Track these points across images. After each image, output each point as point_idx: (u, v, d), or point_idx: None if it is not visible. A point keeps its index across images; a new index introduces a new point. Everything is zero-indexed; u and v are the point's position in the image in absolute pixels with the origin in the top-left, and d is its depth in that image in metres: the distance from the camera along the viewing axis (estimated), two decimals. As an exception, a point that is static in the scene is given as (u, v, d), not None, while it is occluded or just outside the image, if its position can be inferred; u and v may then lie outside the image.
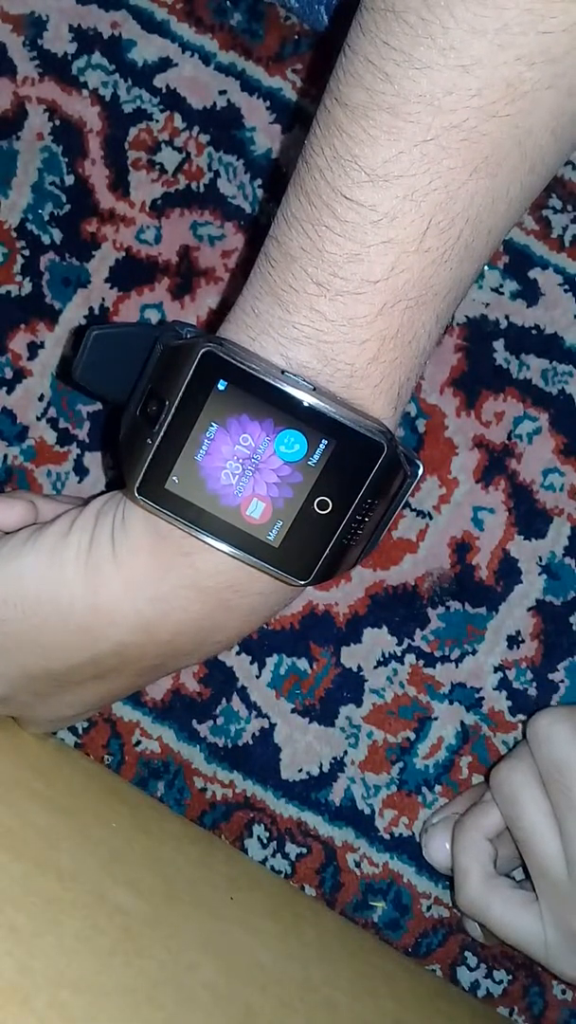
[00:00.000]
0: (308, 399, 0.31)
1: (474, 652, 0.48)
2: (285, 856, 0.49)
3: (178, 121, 0.47)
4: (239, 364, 0.31)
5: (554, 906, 0.42)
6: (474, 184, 0.29)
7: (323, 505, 0.33)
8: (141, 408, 0.34)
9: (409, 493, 0.36)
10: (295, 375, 0.31)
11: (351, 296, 0.31)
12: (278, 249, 0.32)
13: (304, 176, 0.31)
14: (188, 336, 0.34)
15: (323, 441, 0.32)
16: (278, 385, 0.31)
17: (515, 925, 0.43)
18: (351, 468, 0.32)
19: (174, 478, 0.33)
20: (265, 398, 0.31)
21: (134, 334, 0.37)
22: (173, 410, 0.33)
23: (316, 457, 0.32)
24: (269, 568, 0.34)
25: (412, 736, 0.48)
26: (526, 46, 0.27)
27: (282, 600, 0.37)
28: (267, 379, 0.31)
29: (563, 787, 0.41)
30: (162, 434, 0.33)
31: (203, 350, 0.31)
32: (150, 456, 0.33)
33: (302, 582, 0.34)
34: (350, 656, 0.48)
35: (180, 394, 0.32)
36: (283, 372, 0.31)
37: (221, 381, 0.32)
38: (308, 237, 0.31)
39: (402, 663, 0.48)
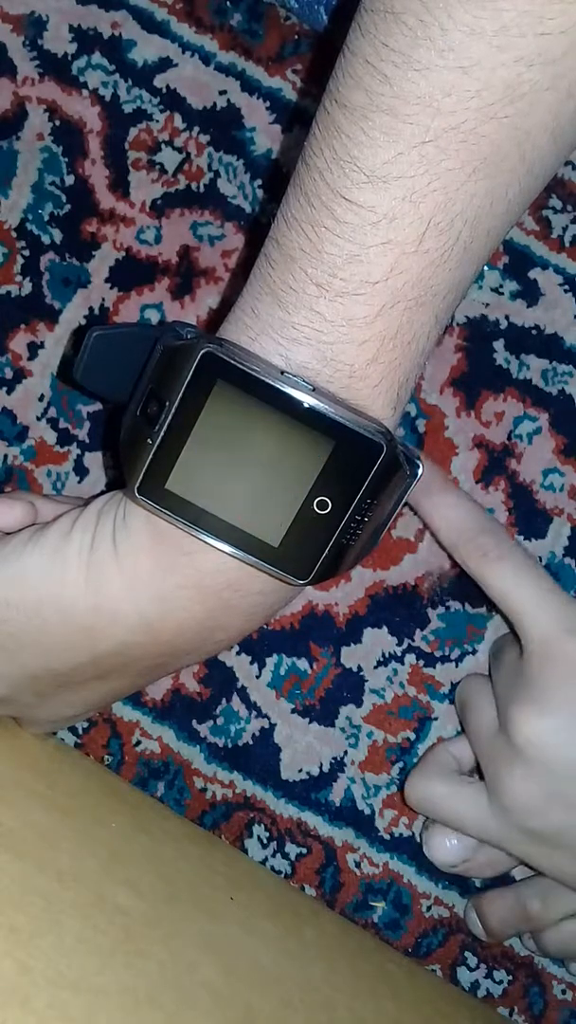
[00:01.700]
0: (307, 399, 0.31)
1: (474, 652, 0.48)
2: (285, 856, 0.49)
3: (178, 121, 0.47)
4: (238, 365, 0.31)
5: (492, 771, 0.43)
6: (473, 185, 0.29)
7: (323, 505, 0.33)
8: (141, 409, 0.34)
9: (409, 493, 0.36)
10: (294, 375, 0.31)
11: (350, 297, 0.31)
12: (278, 250, 0.32)
13: (304, 177, 0.31)
14: (188, 337, 0.34)
15: (322, 441, 0.32)
16: (277, 386, 0.31)
17: (460, 798, 0.44)
18: (350, 468, 0.32)
19: (174, 478, 0.33)
20: (265, 398, 0.31)
21: (134, 335, 0.37)
22: (173, 410, 0.33)
23: (316, 457, 0.32)
24: (269, 568, 0.34)
25: (412, 736, 0.48)
26: (525, 48, 0.27)
27: (282, 600, 0.37)
28: (266, 379, 0.31)
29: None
30: (162, 434, 0.33)
31: (203, 351, 0.31)
32: (150, 456, 0.33)
33: (301, 582, 0.35)
34: (350, 656, 0.48)
35: (180, 395, 0.32)
36: (283, 373, 0.31)
37: (221, 381, 0.32)
38: (308, 238, 0.31)
39: (402, 663, 0.48)
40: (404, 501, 0.36)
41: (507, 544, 0.43)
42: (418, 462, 0.35)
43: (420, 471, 0.35)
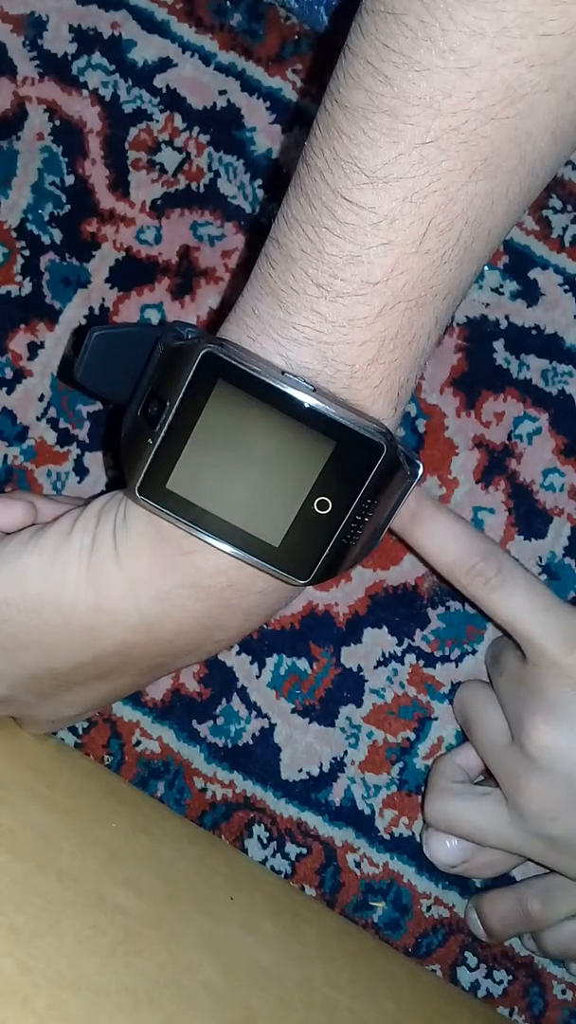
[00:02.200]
0: (308, 400, 0.31)
1: (474, 652, 0.48)
2: (285, 856, 0.49)
3: (178, 121, 0.47)
4: (239, 365, 0.31)
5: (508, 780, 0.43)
6: (473, 186, 0.29)
7: (323, 505, 0.33)
8: (142, 409, 0.34)
9: (409, 493, 0.36)
10: (295, 376, 0.31)
11: (351, 297, 0.31)
12: (278, 250, 0.32)
13: (304, 178, 0.31)
14: (189, 337, 0.34)
15: (322, 441, 0.32)
16: (278, 386, 0.31)
17: (479, 813, 0.44)
18: (351, 468, 0.32)
19: (175, 478, 0.33)
20: (265, 398, 0.31)
21: (135, 334, 0.37)
22: (174, 411, 0.33)
23: (316, 457, 0.32)
24: (269, 568, 0.34)
25: (412, 736, 0.48)
26: (525, 48, 0.27)
27: (282, 599, 0.37)
28: (267, 380, 0.31)
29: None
30: (163, 434, 0.33)
31: (203, 351, 0.31)
32: (151, 456, 0.33)
33: (302, 582, 0.35)
34: (350, 656, 0.48)
35: (180, 395, 0.32)
36: (283, 373, 0.31)
37: (221, 382, 0.32)
38: (308, 239, 0.31)
39: (402, 663, 0.48)
40: (403, 501, 0.36)
41: (507, 566, 0.43)
42: (418, 462, 0.35)
43: (420, 471, 0.35)
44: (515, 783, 0.42)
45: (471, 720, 0.46)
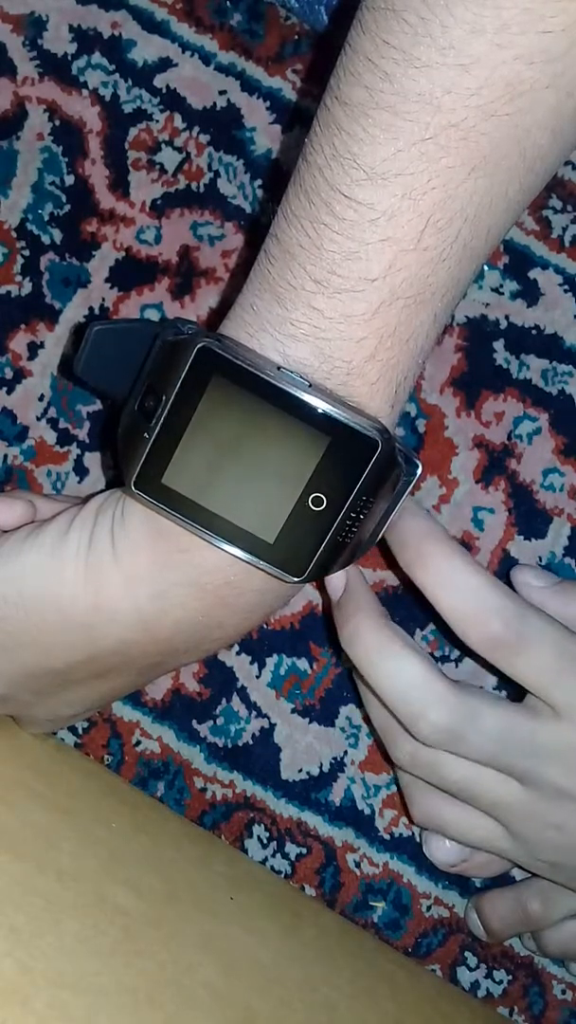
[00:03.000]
0: (303, 396, 0.31)
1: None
2: (285, 856, 0.49)
3: (178, 121, 0.47)
4: (234, 360, 0.31)
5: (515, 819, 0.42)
6: (472, 183, 0.29)
7: (318, 502, 0.33)
8: (139, 403, 0.34)
9: (407, 492, 0.36)
10: (291, 371, 0.31)
11: (349, 294, 0.31)
12: (277, 246, 0.32)
13: (304, 174, 0.31)
14: (188, 332, 0.34)
15: (318, 437, 0.32)
16: (273, 381, 0.31)
17: (472, 823, 0.43)
18: (346, 465, 0.32)
19: (170, 473, 0.33)
20: (261, 394, 0.31)
21: (135, 330, 0.37)
22: (169, 405, 0.33)
23: (311, 454, 0.32)
24: (264, 565, 0.34)
25: (412, 736, 0.48)
26: (525, 45, 0.27)
27: (280, 598, 0.37)
28: (262, 375, 0.31)
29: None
30: (158, 429, 0.33)
31: (199, 345, 0.31)
32: (147, 451, 0.33)
33: (296, 579, 0.34)
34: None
35: (176, 389, 0.32)
36: (279, 368, 0.31)
37: (217, 376, 0.32)
38: (307, 235, 0.31)
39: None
40: (402, 501, 0.36)
41: (528, 629, 0.38)
42: (417, 461, 0.35)
43: (419, 470, 0.35)
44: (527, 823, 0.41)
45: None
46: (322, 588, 0.48)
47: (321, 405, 0.31)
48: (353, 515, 0.34)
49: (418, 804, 0.44)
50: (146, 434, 0.33)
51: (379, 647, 0.40)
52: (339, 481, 0.33)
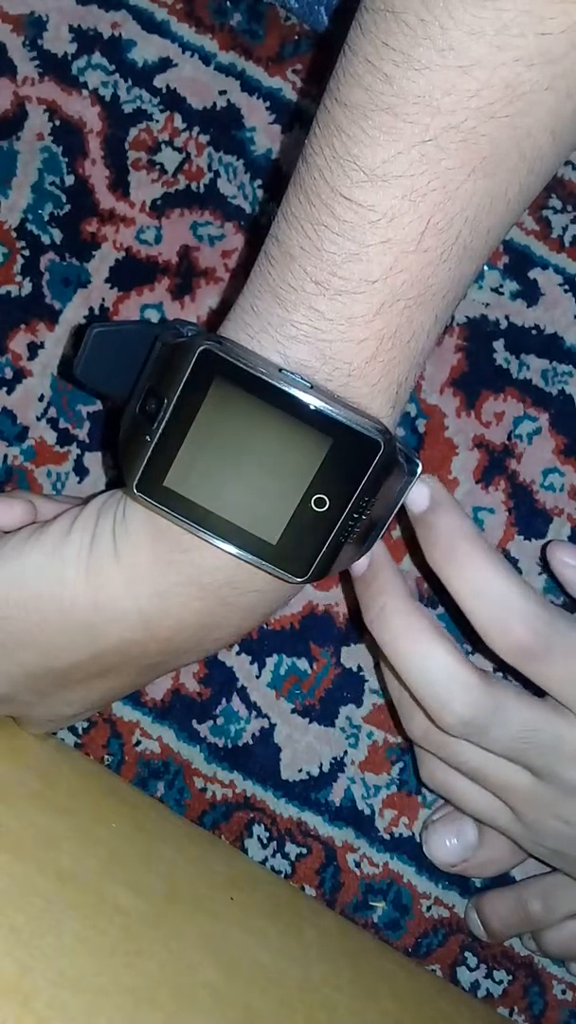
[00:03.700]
0: (305, 397, 0.31)
1: (473, 652, 0.47)
2: (285, 856, 0.49)
3: (178, 121, 0.47)
4: (236, 362, 0.31)
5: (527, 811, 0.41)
6: (472, 185, 0.29)
7: (320, 503, 0.33)
8: (140, 406, 0.34)
9: (407, 492, 0.36)
10: (293, 373, 0.31)
11: (349, 295, 0.31)
12: (278, 248, 0.32)
13: (304, 175, 0.31)
14: (188, 334, 0.34)
15: (320, 439, 0.32)
16: (275, 383, 0.31)
17: (483, 800, 0.42)
18: (348, 466, 0.33)
19: (172, 475, 0.33)
20: (263, 396, 0.31)
21: (135, 331, 0.37)
22: (171, 408, 0.33)
23: (313, 455, 0.32)
24: (266, 565, 0.34)
25: (412, 736, 0.48)
26: (525, 47, 0.27)
27: (280, 598, 0.37)
28: (264, 377, 0.31)
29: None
30: (160, 431, 0.33)
31: (200, 348, 0.31)
32: (148, 453, 0.33)
33: (298, 580, 0.35)
34: (350, 656, 0.48)
35: (178, 392, 0.32)
36: (281, 370, 0.31)
37: (219, 379, 0.32)
38: (307, 236, 0.31)
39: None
40: (402, 500, 0.36)
41: (557, 638, 0.37)
42: (417, 461, 0.35)
43: (419, 469, 0.35)
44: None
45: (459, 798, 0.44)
46: (322, 588, 0.48)
47: (323, 407, 0.31)
48: (355, 516, 0.34)
49: (427, 766, 0.44)
50: (147, 437, 0.33)
51: (407, 631, 0.38)
52: (341, 482, 0.33)
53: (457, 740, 0.40)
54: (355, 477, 0.33)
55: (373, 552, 0.40)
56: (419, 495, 0.39)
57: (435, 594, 0.47)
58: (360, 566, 0.40)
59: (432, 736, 0.41)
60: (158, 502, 0.34)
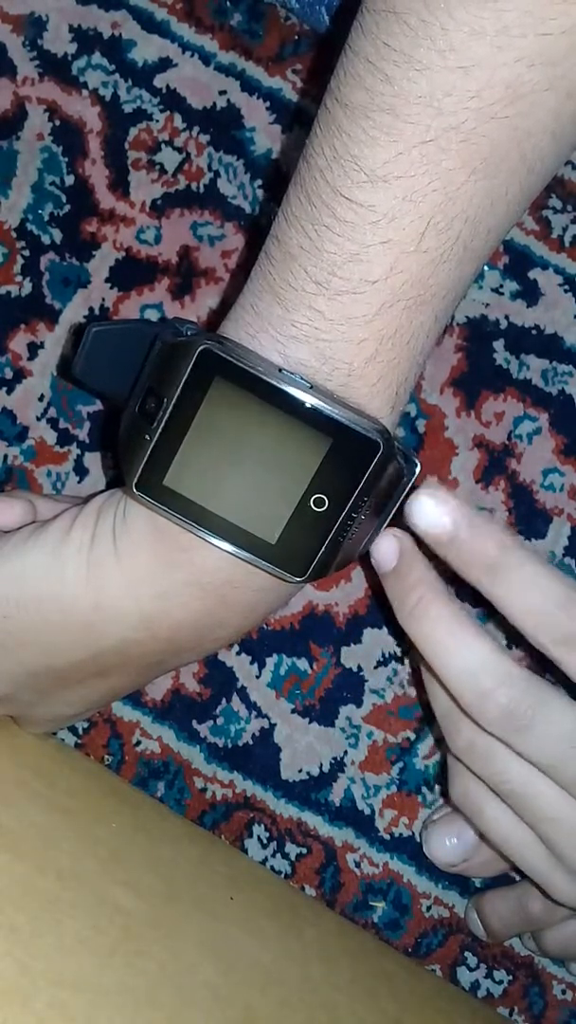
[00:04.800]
0: (305, 397, 0.31)
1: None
2: (285, 856, 0.49)
3: (178, 121, 0.47)
4: (236, 362, 0.31)
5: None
6: (473, 185, 0.30)
7: (319, 502, 0.33)
8: (140, 405, 0.34)
9: (406, 492, 0.36)
10: (292, 373, 0.31)
11: (350, 296, 0.31)
12: (278, 248, 0.32)
13: (304, 176, 0.31)
14: (188, 333, 0.34)
15: (319, 439, 0.32)
16: (275, 383, 0.31)
17: (514, 823, 0.40)
18: (347, 466, 0.33)
19: (172, 474, 0.33)
20: (263, 396, 0.31)
21: (134, 330, 0.37)
22: (171, 407, 0.33)
23: (313, 455, 0.32)
24: (266, 565, 0.34)
25: (412, 736, 0.48)
26: (525, 48, 0.27)
27: (281, 597, 0.37)
28: (264, 377, 0.31)
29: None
30: (160, 431, 0.33)
31: (201, 347, 0.32)
32: (148, 453, 0.33)
33: (298, 579, 0.35)
34: (350, 656, 0.48)
35: (178, 391, 0.32)
36: (281, 370, 0.31)
37: (219, 378, 0.32)
38: (308, 236, 0.31)
39: (402, 663, 0.48)
40: (401, 500, 0.36)
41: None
42: (416, 460, 0.35)
43: (418, 469, 0.35)
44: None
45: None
46: (322, 588, 0.48)
47: (323, 407, 0.31)
48: (354, 515, 0.34)
49: (461, 783, 0.41)
50: (147, 436, 0.33)
51: (448, 622, 0.37)
52: (341, 482, 0.33)
53: (504, 758, 0.38)
54: (354, 477, 0.33)
55: (403, 546, 0.38)
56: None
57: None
58: (388, 561, 0.38)
59: (478, 748, 0.38)
60: (157, 501, 0.34)
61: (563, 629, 0.35)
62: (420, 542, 0.37)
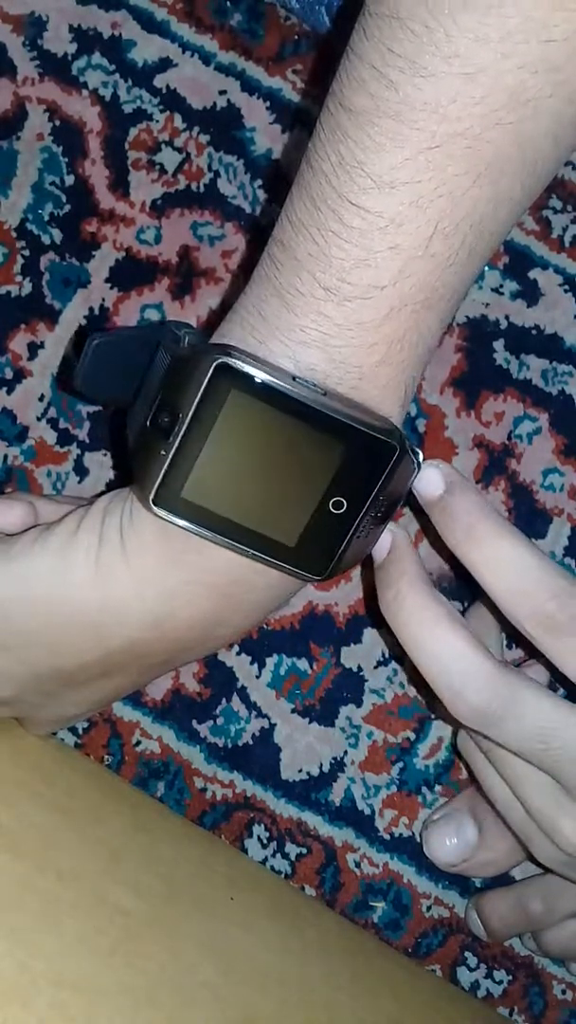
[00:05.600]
0: (321, 405, 0.31)
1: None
2: (285, 856, 0.49)
3: (178, 121, 0.47)
4: (255, 376, 0.31)
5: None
6: (477, 190, 0.30)
7: (338, 505, 0.33)
8: (152, 418, 0.34)
9: (412, 481, 0.37)
10: (305, 380, 0.31)
11: (359, 301, 0.31)
12: (283, 252, 0.32)
13: (309, 180, 0.31)
14: (188, 338, 0.34)
15: (336, 444, 0.32)
16: (293, 394, 0.31)
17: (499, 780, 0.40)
18: (365, 469, 0.33)
19: (190, 486, 0.33)
20: (280, 406, 0.31)
21: (134, 338, 0.37)
22: (187, 422, 0.32)
23: (330, 460, 0.32)
24: (288, 568, 0.34)
25: (412, 736, 0.48)
26: (528, 54, 0.27)
27: (286, 593, 0.38)
28: (281, 388, 0.31)
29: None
30: (176, 445, 0.33)
31: (216, 362, 0.31)
32: (165, 467, 0.33)
33: (318, 578, 0.35)
34: (350, 656, 0.48)
35: (194, 406, 0.32)
36: (295, 378, 0.31)
37: (235, 391, 0.31)
38: (315, 242, 0.31)
39: (402, 663, 0.48)
40: (407, 491, 0.37)
41: None
42: (418, 450, 0.36)
43: (421, 457, 0.36)
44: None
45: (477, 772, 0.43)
46: (322, 588, 0.48)
47: (339, 414, 0.31)
48: (372, 514, 0.34)
49: (461, 732, 0.42)
50: (163, 451, 0.33)
51: (422, 616, 0.37)
52: (359, 484, 0.33)
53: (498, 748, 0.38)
54: (372, 478, 0.33)
55: (395, 538, 0.39)
56: (433, 479, 0.38)
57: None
58: (382, 552, 0.39)
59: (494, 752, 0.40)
60: (177, 515, 0.34)
61: (533, 604, 0.36)
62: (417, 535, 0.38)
